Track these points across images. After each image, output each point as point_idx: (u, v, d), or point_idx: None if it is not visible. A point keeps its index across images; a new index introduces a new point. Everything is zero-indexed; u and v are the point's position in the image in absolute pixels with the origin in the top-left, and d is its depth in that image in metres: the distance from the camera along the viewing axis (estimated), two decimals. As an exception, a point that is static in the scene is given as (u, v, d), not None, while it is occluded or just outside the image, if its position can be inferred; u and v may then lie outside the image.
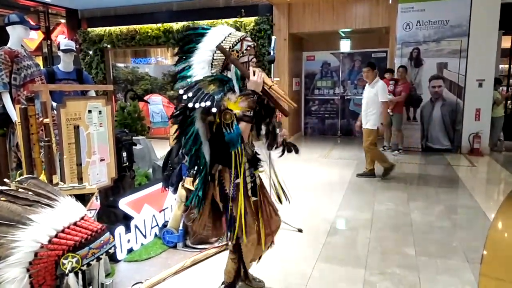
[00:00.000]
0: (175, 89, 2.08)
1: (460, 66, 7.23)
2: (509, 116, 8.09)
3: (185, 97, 1.92)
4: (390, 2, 7.75)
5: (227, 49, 2.05)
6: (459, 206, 4.39)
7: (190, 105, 1.91)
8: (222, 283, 2.46)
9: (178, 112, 2.03)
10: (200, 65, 2.04)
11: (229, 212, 2.14)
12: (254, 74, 2.01)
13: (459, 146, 7.36)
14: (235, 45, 2.06)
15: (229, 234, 2.24)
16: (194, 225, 2.32)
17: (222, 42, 2.05)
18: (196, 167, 2.15)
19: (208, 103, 1.88)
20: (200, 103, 1.89)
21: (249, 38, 2.12)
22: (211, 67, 2.05)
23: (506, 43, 8.74)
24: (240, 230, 2.09)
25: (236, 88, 2.07)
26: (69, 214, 1.55)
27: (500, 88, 7.86)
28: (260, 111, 2.14)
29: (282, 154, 2.39)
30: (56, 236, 1.47)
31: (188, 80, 2.03)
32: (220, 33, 2.08)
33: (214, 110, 1.90)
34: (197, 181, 2.20)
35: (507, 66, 9.72)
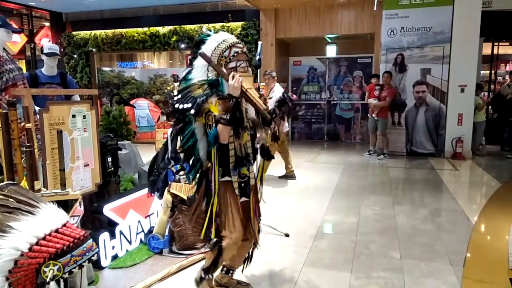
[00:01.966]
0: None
1: (443, 72, 7.38)
2: (490, 121, 8.29)
3: (176, 98, 2.14)
4: (375, 8, 7.89)
5: (218, 56, 2.16)
6: (443, 210, 4.46)
7: (177, 105, 2.12)
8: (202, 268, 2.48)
9: (171, 110, 2.23)
10: (199, 69, 2.21)
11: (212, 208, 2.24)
12: (233, 78, 2.09)
13: (443, 150, 7.50)
14: (224, 51, 2.17)
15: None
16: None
17: (215, 49, 2.18)
18: (189, 162, 2.27)
19: (189, 105, 2.06)
20: (184, 104, 2.09)
21: (239, 45, 2.20)
22: (207, 71, 2.19)
23: (487, 49, 8.98)
24: (210, 223, 2.21)
25: (226, 92, 2.15)
26: (50, 221, 1.53)
27: (482, 93, 8.06)
28: (237, 115, 2.19)
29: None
30: (37, 243, 1.44)
31: (187, 83, 2.22)
32: (214, 40, 2.20)
33: (192, 112, 2.06)
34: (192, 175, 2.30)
35: (488, 72, 10.00)
